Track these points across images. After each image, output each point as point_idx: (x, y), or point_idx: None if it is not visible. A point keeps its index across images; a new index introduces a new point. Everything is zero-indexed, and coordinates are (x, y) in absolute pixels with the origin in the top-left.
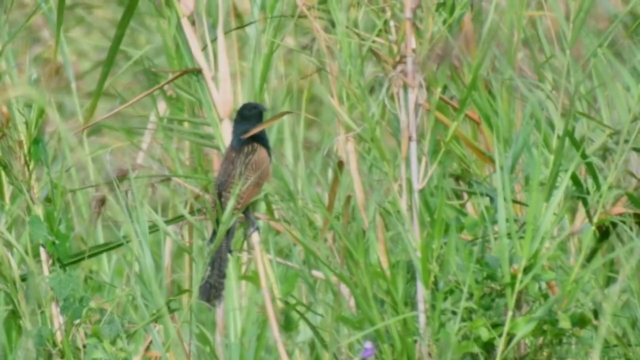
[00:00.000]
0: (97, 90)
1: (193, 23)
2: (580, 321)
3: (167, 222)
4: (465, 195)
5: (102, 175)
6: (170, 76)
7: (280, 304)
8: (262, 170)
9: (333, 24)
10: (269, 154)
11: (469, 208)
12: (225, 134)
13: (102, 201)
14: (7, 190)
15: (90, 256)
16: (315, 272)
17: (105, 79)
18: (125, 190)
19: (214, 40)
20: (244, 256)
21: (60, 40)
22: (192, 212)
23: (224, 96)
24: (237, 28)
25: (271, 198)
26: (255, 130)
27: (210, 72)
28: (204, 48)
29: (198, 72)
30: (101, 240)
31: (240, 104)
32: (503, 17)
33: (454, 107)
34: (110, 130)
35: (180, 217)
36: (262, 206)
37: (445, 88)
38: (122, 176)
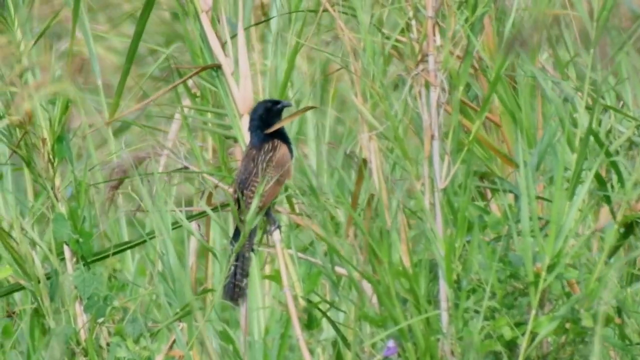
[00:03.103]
0: (119, 88)
1: (219, 20)
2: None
3: (190, 218)
4: (489, 195)
5: (117, 161)
6: (192, 73)
7: (302, 302)
8: (284, 168)
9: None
10: (290, 150)
11: (492, 207)
12: (245, 130)
13: (116, 187)
14: (31, 188)
15: (114, 254)
16: (338, 269)
17: (127, 76)
18: (142, 177)
19: (233, 36)
20: (265, 251)
21: (87, 36)
22: (214, 209)
23: (244, 93)
24: (257, 24)
25: (292, 192)
26: (277, 126)
27: (230, 68)
28: (224, 44)
29: (218, 68)
30: (125, 238)
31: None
32: (529, 15)
33: (474, 108)
34: (135, 129)
35: (204, 214)
36: (284, 201)
37: (468, 87)
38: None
